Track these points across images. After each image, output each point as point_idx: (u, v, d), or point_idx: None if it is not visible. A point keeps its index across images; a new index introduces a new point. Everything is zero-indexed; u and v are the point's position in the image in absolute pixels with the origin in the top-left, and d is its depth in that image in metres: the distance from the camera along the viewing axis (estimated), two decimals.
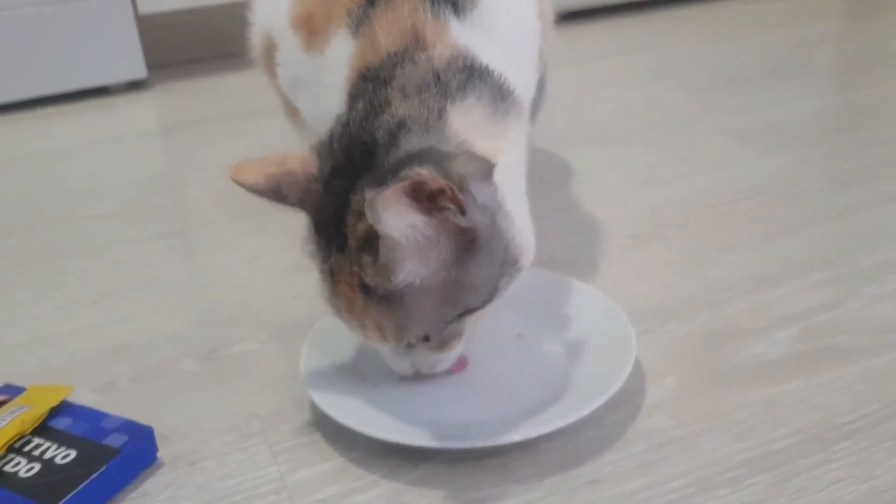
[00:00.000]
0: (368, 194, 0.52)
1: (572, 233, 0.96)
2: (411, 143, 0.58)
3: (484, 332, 0.74)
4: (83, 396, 0.72)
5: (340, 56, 0.70)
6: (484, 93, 0.63)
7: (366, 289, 0.58)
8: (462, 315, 0.60)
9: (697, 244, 0.92)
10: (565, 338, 0.73)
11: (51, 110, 1.54)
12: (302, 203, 0.61)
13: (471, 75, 0.63)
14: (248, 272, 0.93)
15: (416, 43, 0.65)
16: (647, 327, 0.77)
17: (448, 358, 0.65)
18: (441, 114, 0.60)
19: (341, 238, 0.59)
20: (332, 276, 0.60)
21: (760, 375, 0.71)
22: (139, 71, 1.62)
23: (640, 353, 0.71)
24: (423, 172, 0.51)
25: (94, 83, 1.60)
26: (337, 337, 0.73)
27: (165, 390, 0.74)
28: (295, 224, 1.01)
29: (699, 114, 1.30)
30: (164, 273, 0.94)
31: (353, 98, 0.65)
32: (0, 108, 1.51)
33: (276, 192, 0.61)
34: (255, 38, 0.88)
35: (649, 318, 0.79)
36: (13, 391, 0.69)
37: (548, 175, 1.11)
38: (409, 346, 0.63)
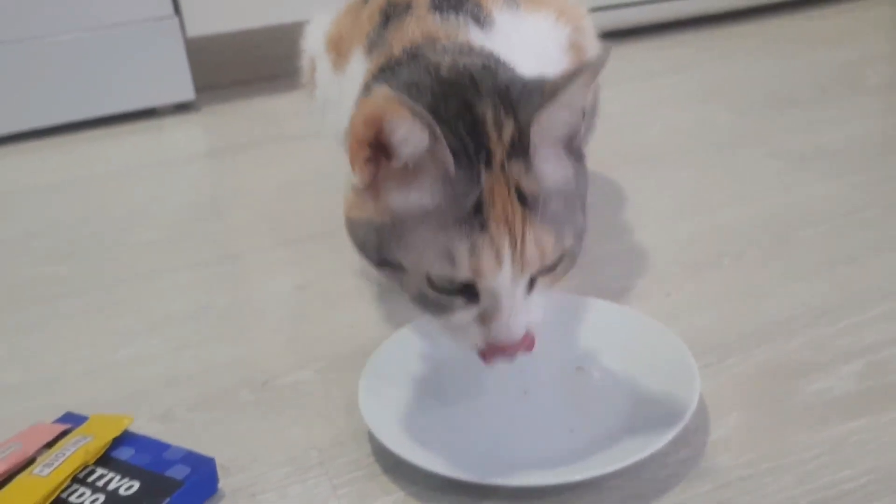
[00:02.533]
0: (546, 83, 0.56)
1: (625, 261, 0.95)
2: (505, 71, 0.63)
3: (543, 364, 0.74)
4: (143, 426, 0.72)
5: (357, 75, 0.72)
6: None
7: (523, 199, 0.56)
8: (582, 233, 0.61)
9: (755, 274, 0.91)
10: (625, 371, 0.72)
11: (100, 132, 1.56)
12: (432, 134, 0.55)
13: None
14: (301, 300, 0.93)
15: (434, 40, 0.68)
16: (707, 361, 0.76)
17: (539, 312, 0.61)
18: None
19: (482, 154, 0.56)
20: (487, 199, 0.56)
21: (827, 413, 0.69)
22: (187, 93, 1.64)
23: (701, 389, 0.69)
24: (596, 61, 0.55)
25: (143, 105, 1.62)
26: (396, 368, 0.73)
27: (223, 420, 0.74)
28: (344, 251, 1.02)
29: (751, 136, 1.28)
30: (216, 300, 0.94)
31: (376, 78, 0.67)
32: (51, 130, 1.54)
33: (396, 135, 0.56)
34: (305, 63, 0.92)
35: (709, 352, 0.77)
36: (76, 420, 0.70)
37: (597, 199, 1.09)
38: (542, 272, 0.59)
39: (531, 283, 0.60)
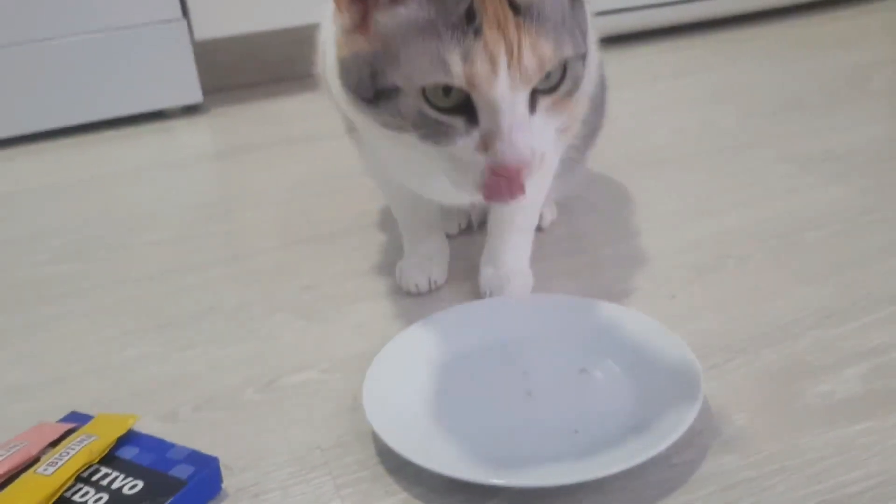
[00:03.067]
0: None
1: (631, 263, 0.95)
2: None
3: (546, 366, 0.74)
4: (148, 425, 0.72)
5: None
6: None
7: (515, 7, 0.55)
8: (580, 56, 0.59)
9: (762, 276, 0.90)
10: (630, 373, 0.72)
11: (109, 134, 1.57)
12: None
13: None
14: (307, 300, 0.93)
15: None
16: (712, 363, 0.76)
17: (553, 134, 0.60)
18: None
19: None
20: (479, 9, 0.55)
21: (832, 415, 0.69)
22: (195, 95, 1.65)
23: (706, 390, 0.69)
24: None
25: (151, 107, 1.63)
26: (400, 369, 0.73)
27: (228, 420, 0.75)
28: (351, 253, 1.02)
29: (758, 139, 1.28)
30: (223, 301, 0.94)
31: None
32: (59, 132, 1.55)
33: None
34: (320, 56, 0.88)
35: (714, 354, 0.77)
36: (81, 419, 0.70)
37: (603, 202, 1.10)
38: (535, 101, 0.58)
39: (533, 104, 0.58)
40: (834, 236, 0.97)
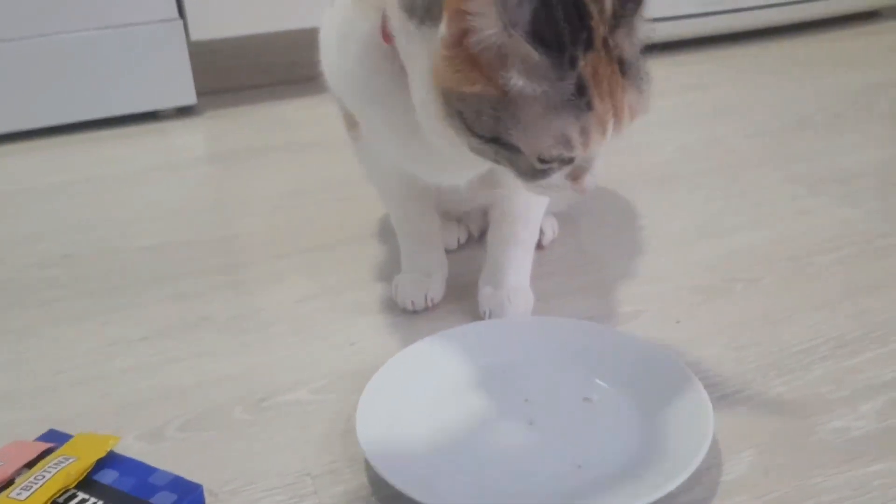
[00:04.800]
0: None
1: (635, 284, 0.92)
2: None
3: (549, 393, 0.71)
4: (130, 445, 0.69)
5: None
6: None
7: (622, 67, 0.59)
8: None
9: (771, 301, 0.88)
10: (636, 404, 0.69)
11: (101, 134, 1.54)
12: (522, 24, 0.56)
13: None
14: (302, 313, 0.90)
15: None
16: (721, 393, 0.73)
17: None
18: None
19: (583, 40, 0.57)
20: (589, 81, 0.57)
21: (846, 453, 0.66)
22: (189, 97, 1.62)
23: (714, 423, 0.66)
24: None
25: (145, 108, 1.60)
26: (397, 392, 0.70)
27: (215, 441, 0.71)
28: (348, 263, 0.99)
29: (765, 159, 1.25)
30: (215, 311, 0.91)
31: None
32: (52, 130, 1.51)
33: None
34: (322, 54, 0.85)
35: (723, 384, 0.74)
36: (59, 438, 0.67)
37: (607, 219, 1.07)
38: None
39: None
40: (845, 261, 0.95)
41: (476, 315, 0.86)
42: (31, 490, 0.58)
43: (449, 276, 0.92)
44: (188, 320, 0.89)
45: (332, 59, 0.75)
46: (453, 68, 0.58)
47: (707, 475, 0.64)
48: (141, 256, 1.05)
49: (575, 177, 0.64)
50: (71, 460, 0.62)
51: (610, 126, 0.59)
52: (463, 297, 0.90)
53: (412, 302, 0.88)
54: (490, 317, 0.84)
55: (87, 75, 1.53)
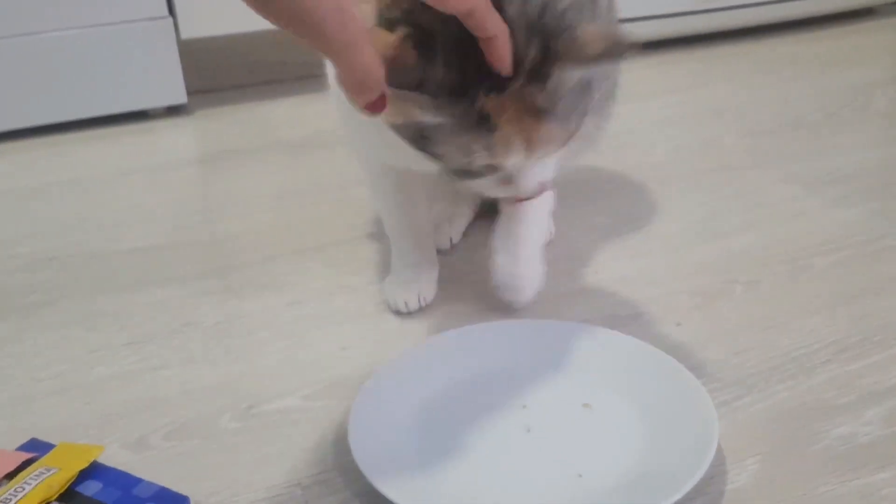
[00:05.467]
0: (587, 33, 0.59)
1: (633, 287, 0.90)
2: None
3: (547, 399, 0.69)
4: (114, 455, 0.67)
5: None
6: None
7: (534, 112, 0.61)
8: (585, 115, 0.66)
9: (771, 304, 0.86)
10: (637, 410, 0.67)
11: (90, 133, 1.51)
12: (410, 86, 0.59)
13: None
14: (291, 318, 0.88)
15: None
16: (722, 399, 0.71)
17: (549, 170, 0.69)
18: None
19: (487, 82, 0.60)
20: (490, 108, 0.60)
21: (853, 460, 0.64)
22: (179, 96, 1.59)
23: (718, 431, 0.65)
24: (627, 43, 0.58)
25: (134, 107, 1.57)
26: (390, 399, 0.68)
27: (201, 450, 0.69)
28: (338, 266, 0.97)
29: (761, 158, 1.24)
30: (202, 316, 0.89)
31: None
32: (39, 130, 1.49)
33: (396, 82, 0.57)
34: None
35: (724, 389, 0.73)
36: (41, 448, 0.65)
37: (603, 221, 1.05)
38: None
39: None
40: (843, 263, 0.93)
41: (469, 319, 0.84)
42: (11, 503, 0.56)
43: (441, 279, 0.90)
44: (174, 326, 0.87)
45: None
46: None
47: (711, 484, 0.62)
48: (127, 259, 1.03)
49: (503, 182, 0.68)
50: (53, 471, 0.60)
51: (517, 146, 0.62)
52: (456, 299, 0.88)
53: (405, 303, 0.86)
54: (503, 289, 0.83)
55: (75, 74, 1.51)
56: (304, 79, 1.76)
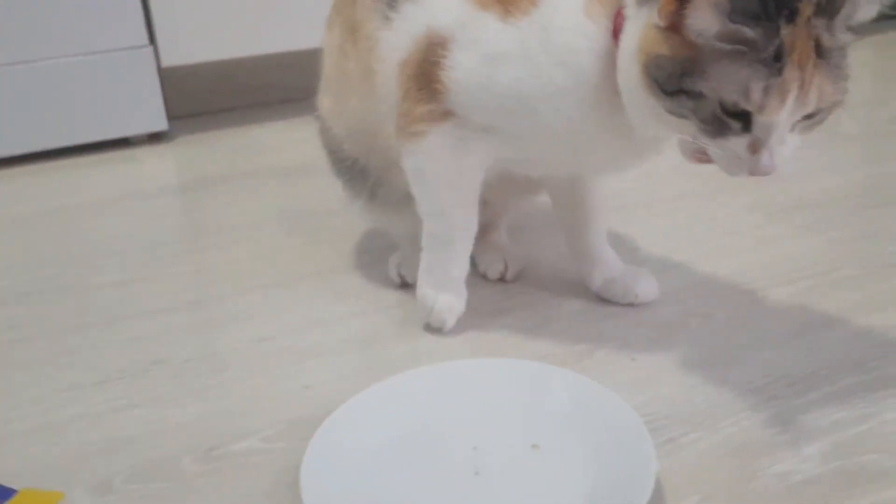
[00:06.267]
0: None
1: (593, 319, 0.92)
2: None
3: (496, 441, 0.71)
4: (78, 499, 0.69)
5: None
6: None
7: (819, 50, 0.65)
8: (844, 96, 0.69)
9: (725, 337, 0.88)
10: (583, 450, 0.69)
11: (71, 161, 1.54)
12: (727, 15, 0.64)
13: None
14: (259, 354, 0.90)
15: None
16: (669, 436, 0.73)
17: (792, 150, 0.71)
18: None
19: (787, 10, 0.63)
20: (784, 50, 0.64)
21: (791, 498, 0.66)
22: (160, 123, 1.62)
23: (661, 468, 0.67)
24: None
25: (116, 135, 1.60)
26: (345, 442, 0.70)
27: (163, 493, 0.71)
28: (309, 301, 0.99)
29: (727, 185, 1.23)
30: (172, 353, 0.91)
31: None
32: (20, 159, 1.51)
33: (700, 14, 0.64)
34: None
35: (672, 427, 0.75)
36: (4, 494, 0.67)
37: (564, 251, 1.07)
38: (808, 117, 0.68)
39: (794, 124, 0.68)
40: (800, 294, 0.95)
41: (430, 355, 0.86)
42: None
43: (407, 315, 0.93)
44: (143, 363, 0.89)
45: (525, 76, 0.76)
46: (659, 37, 0.67)
47: None
48: (100, 295, 1.05)
49: (753, 149, 0.68)
50: None
51: (791, 96, 0.64)
52: (414, 336, 0.90)
53: (444, 320, 0.90)
54: (636, 299, 0.93)
55: (57, 103, 1.53)
56: (285, 102, 1.79)
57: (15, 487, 0.68)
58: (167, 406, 0.82)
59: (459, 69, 0.78)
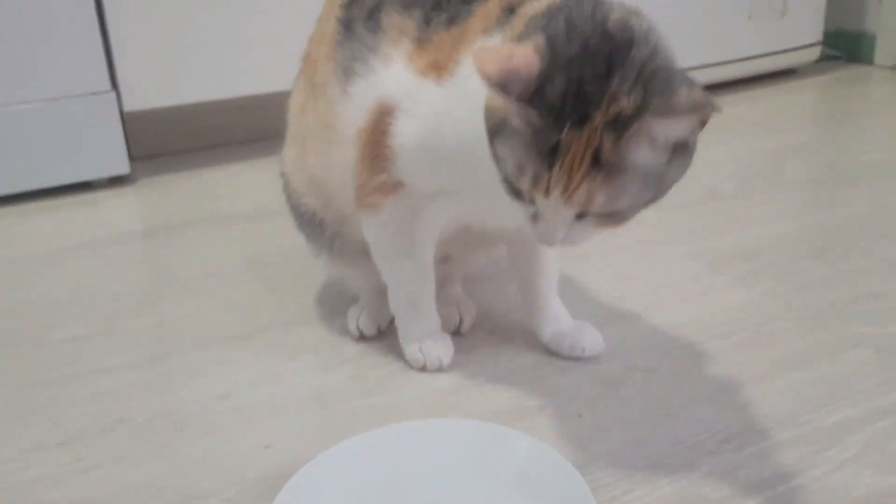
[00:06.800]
0: (682, 96, 0.66)
1: (543, 374, 0.96)
2: (663, 54, 0.70)
3: (451, 499, 0.75)
4: None
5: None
6: None
7: (596, 160, 0.68)
8: (648, 204, 0.72)
9: (666, 392, 0.93)
10: None
11: (32, 206, 1.55)
12: (521, 97, 0.67)
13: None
14: (220, 411, 0.93)
15: None
16: (612, 494, 0.77)
17: (593, 236, 0.75)
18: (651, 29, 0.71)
19: (578, 115, 0.67)
20: (561, 148, 0.68)
21: None
22: (122, 167, 1.64)
23: None
24: (713, 103, 0.66)
25: (76, 179, 1.61)
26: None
27: None
28: (267, 357, 1.02)
29: (672, 234, 1.32)
30: (132, 412, 0.93)
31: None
32: None
33: (502, 86, 0.67)
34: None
35: (615, 484, 0.79)
36: None
37: (507, 302, 1.12)
38: (583, 217, 0.72)
39: (581, 215, 0.72)
40: (736, 347, 1.01)
41: (387, 410, 0.90)
42: None
43: (365, 369, 0.96)
44: (105, 423, 0.91)
45: (444, 143, 0.82)
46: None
47: None
48: (61, 349, 1.07)
49: (534, 219, 0.74)
50: None
51: (556, 193, 0.69)
52: (370, 392, 0.94)
53: (439, 359, 0.97)
54: (582, 353, 0.98)
55: (19, 148, 1.54)
56: (245, 143, 1.82)
57: None
58: (130, 467, 0.85)
59: (404, 135, 0.84)
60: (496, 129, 0.72)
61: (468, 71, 0.78)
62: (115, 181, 1.66)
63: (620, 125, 0.67)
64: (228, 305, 1.16)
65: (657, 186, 0.71)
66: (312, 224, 1.02)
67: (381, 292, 1.01)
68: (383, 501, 0.75)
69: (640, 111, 0.66)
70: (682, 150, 0.71)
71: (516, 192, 0.73)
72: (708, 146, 1.67)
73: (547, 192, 0.69)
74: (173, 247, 1.39)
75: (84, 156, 1.61)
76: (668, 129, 0.68)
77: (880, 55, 2.26)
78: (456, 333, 1.05)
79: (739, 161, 1.63)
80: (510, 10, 0.78)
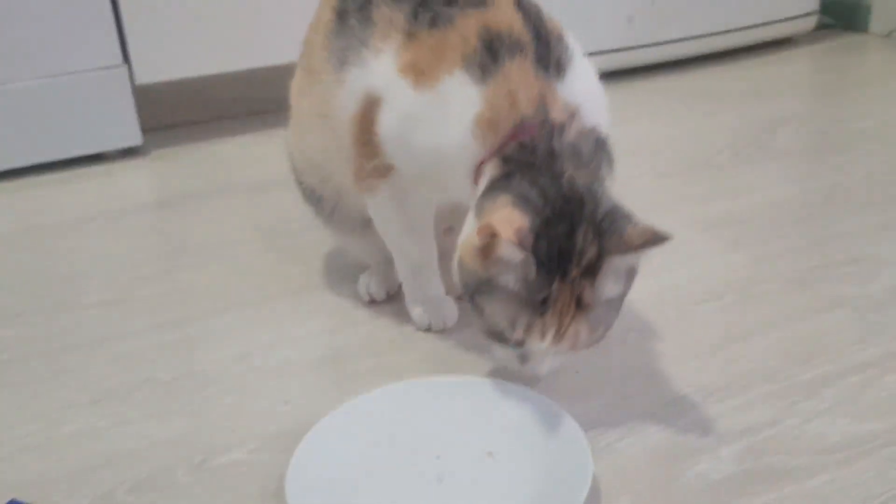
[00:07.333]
0: (632, 232, 0.78)
1: None
2: (605, 201, 0.81)
3: (457, 450, 0.81)
4: None
5: (459, 100, 0.84)
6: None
7: (580, 304, 0.79)
8: (613, 324, 0.84)
9: (657, 350, 0.99)
10: (531, 456, 0.80)
11: (46, 178, 1.60)
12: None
13: (602, 147, 0.88)
14: (240, 371, 0.99)
15: (544, 108, 0.83)
16: (607, 441, 0.84)
17: (558, 362, 0.86)
18: (603, 178, 0.85)
19: (562, 269, 0.77)
20: (553, 300, 0.78)
21: (707, 496, 0.77)
22: (135, 138, 1.69)
23: (599, 471, 0.78)
24: (663, 235, 0.78)
25: (90, 151, 1.66)
26: (323, 454, 0.79)
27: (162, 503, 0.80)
28: (284, 319, 1.08)
29: (668, 201, 1.37)
30: (160, 371, 0.99)
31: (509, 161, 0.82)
32: None
33: (521, 243, 0.76)
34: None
35: (609, 432, 0.85)
36: None
37: None
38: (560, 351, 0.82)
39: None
40: (725, 309, 1.07)
41: (402, 370, 0.96)
42: None
43: (375, 331, 1.02)
44: (133, 382, 0.98)
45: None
46: (473, 251, 0.79)
47: None
48: (89, 314, 1.13)
49: (521, 360, 0.84)
50: None
51: (549, 336, 0.79)
52: (387, 351, 1.00)
53: (443, 321, 1.03)
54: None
55: (32, 122, 1.59)
56: (256, 114, 1.86)
57: (27, 501, 0.77)
58: (159, 422, 0.91)
59: (386, 125, 0.90)
60: (477, 287, 0.81)
61: (448, 88, 0.84)
62: (128, 153, 1.70)
63: (592, 270, 0.78)
64: (243, 272, 1.22)
65: (619, 306, 0.83)
66: (313, 199, 1.08)
67: (389, 260, 1.07)
68: (393, 451, 0.82)
69: (602, 254, 0.78)
70: (633, 272, 0.83)
71: (501, 339, 0.82)
72: (703, 116, 1.76)
73: (542, 336, 0.79)
74: (187, 216, 1.44)
75: (97, 128, 1.66)
76: (626, 261, 0.79)
77: (875, 24, 2.29)
78: (460, 298, 1.11)
79: (734, 130, 1.68)
80: (489, 48, 0.84)
